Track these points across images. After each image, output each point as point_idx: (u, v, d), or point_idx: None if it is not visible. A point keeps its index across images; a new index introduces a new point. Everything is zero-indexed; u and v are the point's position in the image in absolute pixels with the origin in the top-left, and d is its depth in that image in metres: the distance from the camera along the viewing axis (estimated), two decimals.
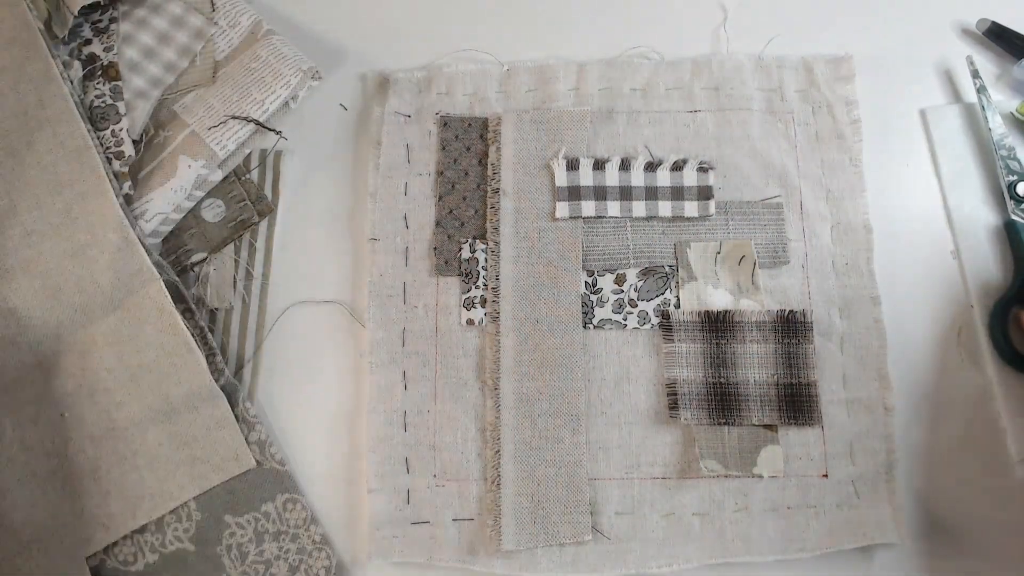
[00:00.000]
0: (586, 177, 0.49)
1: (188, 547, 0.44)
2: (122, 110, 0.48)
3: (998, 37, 0.53)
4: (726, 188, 0.49)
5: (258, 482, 0.44)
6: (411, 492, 0.45)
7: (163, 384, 0.45)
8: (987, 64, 0.53)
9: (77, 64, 0.49)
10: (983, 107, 0.50)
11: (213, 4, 0.51)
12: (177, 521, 0.44)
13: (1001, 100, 0.52)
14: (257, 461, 0.45)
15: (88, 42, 0.50)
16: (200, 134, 0.48)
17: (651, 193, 0.49)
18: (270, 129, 0.49)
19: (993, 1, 0.54)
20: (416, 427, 0.46)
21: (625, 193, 0.49)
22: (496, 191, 0.49)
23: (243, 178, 0.50)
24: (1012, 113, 0.51)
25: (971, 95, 0.51)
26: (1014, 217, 0.48)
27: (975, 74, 0.51)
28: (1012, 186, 0.49)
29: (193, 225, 0.49)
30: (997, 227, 0.49)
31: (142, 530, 0.44)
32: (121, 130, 0.48)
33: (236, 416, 0.45)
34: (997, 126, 0.50)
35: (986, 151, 0.50)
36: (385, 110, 0.51)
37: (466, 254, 0.48)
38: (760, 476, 0.44)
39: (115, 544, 0.43)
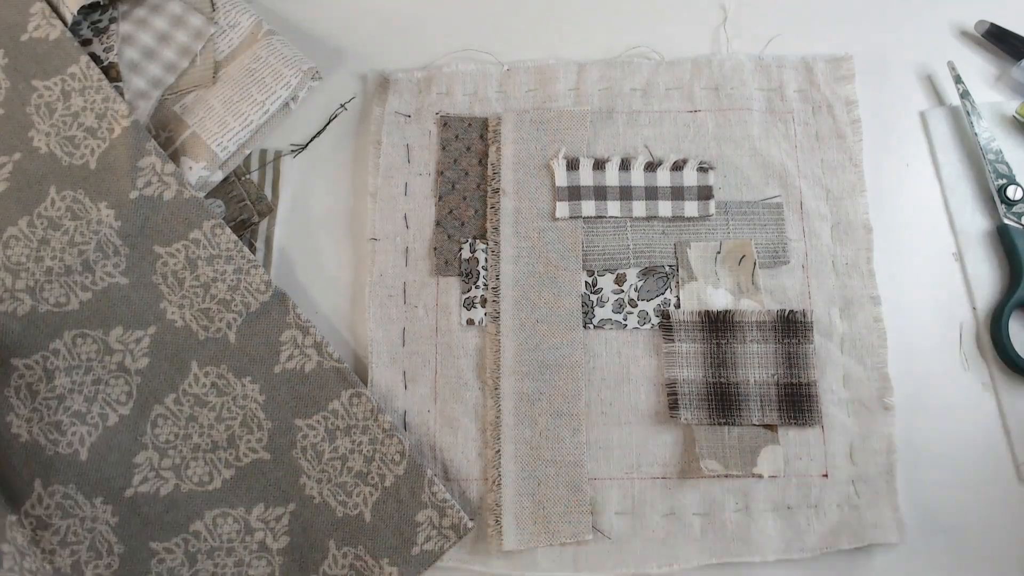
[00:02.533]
0: (586, 177, 0.49)
1: (264, 456, 0.44)
2: None
3: (997, 39, 0.53)
4: (726, 188, 0.49)
5: (321, 382, 0.45)
6: None
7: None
8: (987, 65, 0.53)
9: None
10: (967, 112, 0.50)
11: (213, 4, 0.51)
12: (248, 433, 0.45)
13: (1001, 101, 0.52)
14: (317, 362, 0.45)
15: (88, 42, 0.50)
16: (201, 135, 0.48)
17: (651, 193, 0.49)
18: (297, 148, 0.51)
19: (992, 2, 0.54)
20: (417, 427, 0.46)
21: (625, 193, 0.49)
22: (496, 191, 0.49)
23: (243, 178, 0.50)
24: (1014, 115, 0.51)
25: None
26: (1006, 221, 0.49)
27: (957, 79, 0.51)
28: (1001, 189, 0.49)
29: None
30: (993, 230, 0.49)
31: (213, 448, 0.45)
32: None
33: (289, 323, 0.46)
34: (983, 130, 0.50)
35: (977, 154, 0.51)
36: (385, 110, 0.51)
37: (466, 254, 0.48)
38: (760, 476, 0.44)
39: (187, 467, 0.44)
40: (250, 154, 0.51)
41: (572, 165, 0.49)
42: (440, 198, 0.50)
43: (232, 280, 0.47)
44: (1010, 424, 0.46)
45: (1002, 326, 0.46)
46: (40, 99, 0.49)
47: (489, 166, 0.50)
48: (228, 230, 0.47)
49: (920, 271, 0.49)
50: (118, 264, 0.47)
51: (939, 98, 0.53)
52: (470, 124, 0.51)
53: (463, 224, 0.49)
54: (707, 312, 0.47)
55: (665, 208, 0.49)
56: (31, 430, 0.44)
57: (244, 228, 0.49)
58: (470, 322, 0.47)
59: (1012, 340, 0.46)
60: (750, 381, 0.46)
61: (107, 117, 0.48)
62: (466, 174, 0.50)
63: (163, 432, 0.45)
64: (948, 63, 0.52)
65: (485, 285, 0.48)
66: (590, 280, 0.48)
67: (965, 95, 0.51)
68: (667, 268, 0.48)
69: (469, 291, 0.48)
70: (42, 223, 0.47)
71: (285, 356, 0.46)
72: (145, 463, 0.44)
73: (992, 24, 0.53)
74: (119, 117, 0.48)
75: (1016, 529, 0.44)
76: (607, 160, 0.49)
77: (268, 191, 0.50)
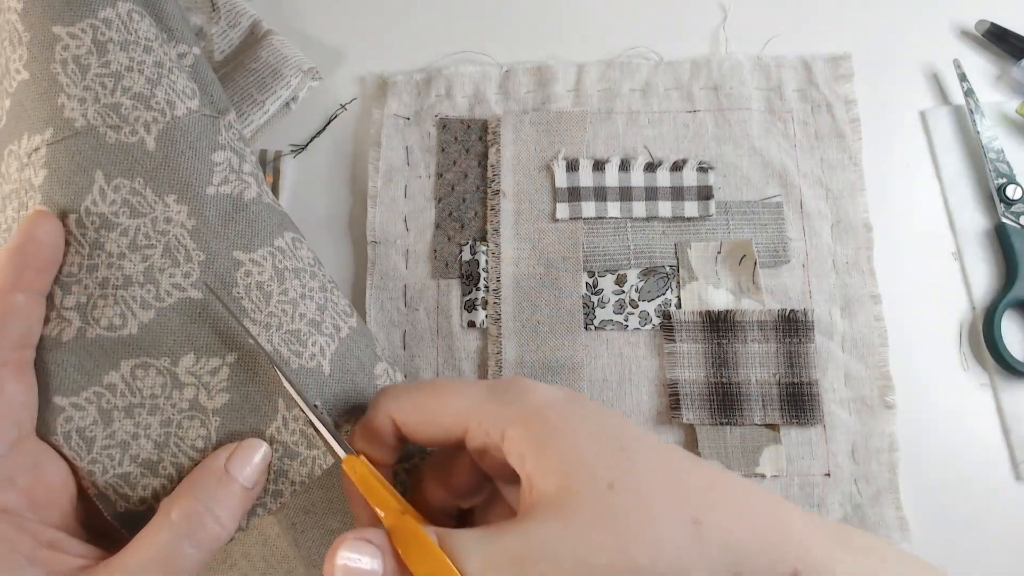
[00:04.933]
0: (586, 178, 0.49)
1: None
2: None
3: (997, 38, 0.53)
4: (726, 188, 0.50)
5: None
6: None
7: None
8: (987, 65, 0.53)
9: None
10: (971, 110, 0.50)
11: (213, 4, 0.51)
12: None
13: (1002, 101, 0.52)
14: None
15: None
16: None
17: (651, 193, 0.49)
18: (296, 148, 0.51)
19: (992, 2, 0.54)
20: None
21: (625, 194, 0.49)
22: (496, 193, 0.49)
23: None
24: (1015, 114, 0.51)
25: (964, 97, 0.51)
26: (1004, 220, 0.49)
27: (962, 77, 0.51)
28: (1001, 189, 0.49)
29: None
30: (991, 230, 0.50)
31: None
32: None
33: (380, 355, 0.39)
34: (985, 129, 0.50)
35: (978, 153, 0.51)
36: (384, 112, 0.51)
37: (467, 256, 0.48)
38: (763, 476, 0.45)
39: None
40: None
41: (572, 166, 0.49)
42: (440, 200, 0.49)
43: (320, 299, 0.38)
44: (1008, 424, 0.46)
45: (995, 326, 0.47)
46: (66, 51, 0.37)
47: (488, 168, 0.50)
48: (307, 245, 0.40)
49: (920, 270, 0.49)
50: (189, 273, 0.36)
51: (940, 97, 0.53)
52: (469, 126, 0.51)
53: (463, 226, 0.49)
54: (708, 312, 0.47)
55: (665, 208, 0.49)
56: (95, 483, 0.35)
57: None
58: (471, 324, 0.47)
59: (1005, 340, 0.47)
60: (751, 381, 0.46)
61: (163, 86, 0.38)
62: (465, 176, 0.50)
63: None
64: (954, 61, 0.52)
65: (486, 287, 0.48)
66: (591, 281, 0.48)
67: (969, 93, 0.51)
68: (668, 268, 0.48)
69: (470, 293, 0.48)
70: (93, 222, 0.36)
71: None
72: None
73: (992, 24, 0.53)
74: (181, 94, 0.38)
75: (1014, 528, 0.45)
76: (607, 161, 0.49)
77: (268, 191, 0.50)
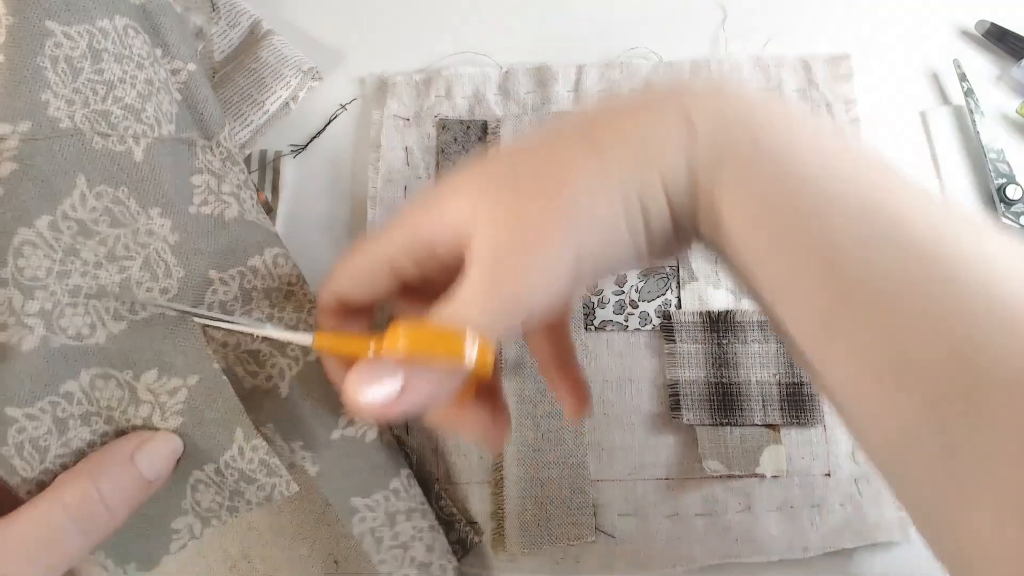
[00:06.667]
0: None
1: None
2: None
3: (997, 38, 0.53)
4: None
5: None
6: None
7: None
8: (987, 65, 0.53)
9: None
10: (971, 110, 0.50)
11: (213, 4, 0.51)
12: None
13: (1002, 101, 0.52)
14: (378, 433, 0.40)
15: None
16: None
17: None
18: (296, 148, 0.51)
19: (993, 2, 0.54)
20: (419, 431, 0.46)
21: None
22: None
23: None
24: (1015, 114, 0.51)
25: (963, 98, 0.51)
26: (1004, 220, 0.49)
27: (962, 77, 0.51)
28: (1001, 189, 0.49)
29: None
30: None
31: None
32: None
33: None
34: (985, 129, 0.50)
35: (978, 153, 0.51)
36: (384, 113, 0.51)
37: None
38: (763, 476, 0.44)
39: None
40: (250, 154, 0.50)
41: None
42: None
43: (291, 320, 0.39)
44: None
45: None
46: (58, 49, 0.36)
47: None
48: (292, 261, 0.41)
49: None
50: (167, 289, 0.36)
51: (940, 97, 0.53)
52: (469, 127, 0.51)
53: None
54: (708, 312, 0.47)
55: None
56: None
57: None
58: None
59: None
60: (752, 381, 0.46)
61: (153, 103, 0.38)
62: None
63: (205, 498, 0.36)
64: (953, 61, 0.52)
65: None
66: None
67: (969, 93, 0.51)
68: (668, 269, 0.48)
69: None
70: (70, 227, 0.34)
71: (344, 420, 0.39)
72: (184, 528, 0.36)
73: (992, 24, 0.53)
74: (165, 115, 0.38)
75: None
76: None
77: (268, 192, 0.50)
